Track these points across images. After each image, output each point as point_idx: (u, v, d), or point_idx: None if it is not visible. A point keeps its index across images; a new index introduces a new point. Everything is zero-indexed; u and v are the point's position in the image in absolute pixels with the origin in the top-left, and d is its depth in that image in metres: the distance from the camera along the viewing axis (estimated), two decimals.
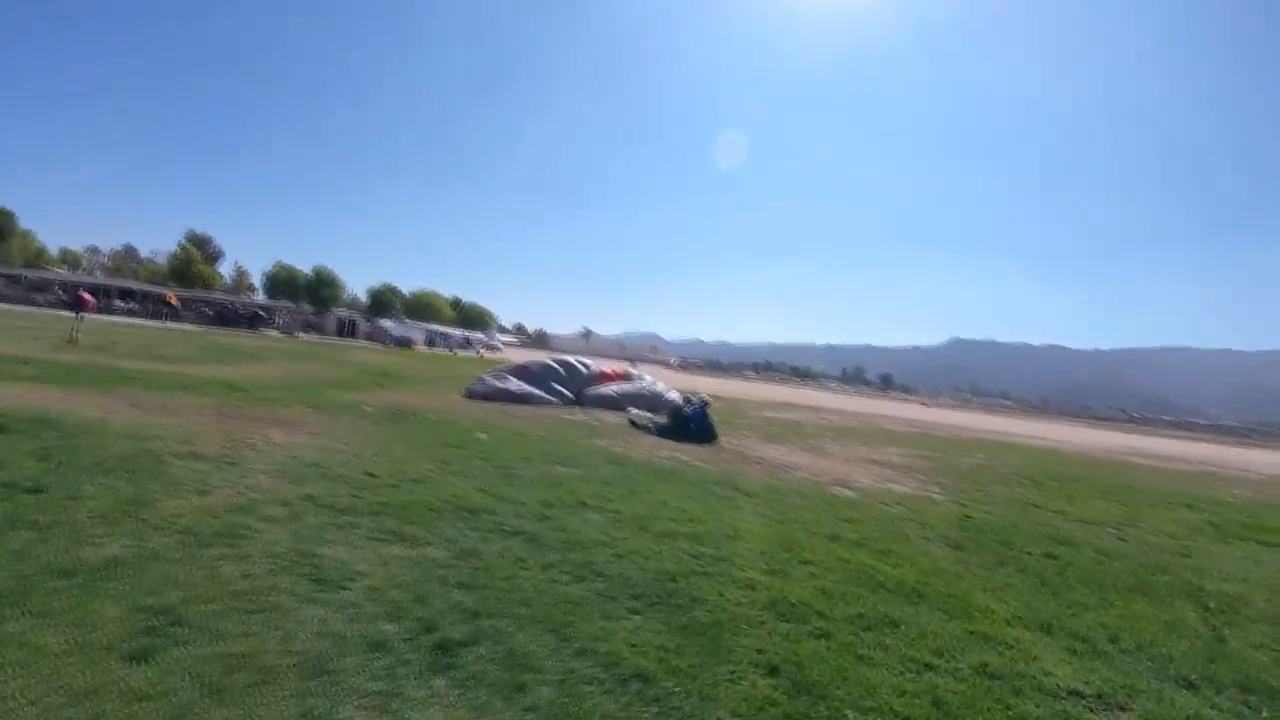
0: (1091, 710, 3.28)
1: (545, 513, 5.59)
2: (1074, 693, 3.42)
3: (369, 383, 16.21)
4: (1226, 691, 3.68)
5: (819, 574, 4.82)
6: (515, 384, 15.73)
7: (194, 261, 71.66)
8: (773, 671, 3.26)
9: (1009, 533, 6.93)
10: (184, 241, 75.39)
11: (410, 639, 3.13)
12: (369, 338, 58.42)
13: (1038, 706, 3.24)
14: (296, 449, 7.00)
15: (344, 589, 3.60)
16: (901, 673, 3.42)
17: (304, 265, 76.75)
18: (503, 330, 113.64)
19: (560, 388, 16.11)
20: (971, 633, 4.05)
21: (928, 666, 3.52)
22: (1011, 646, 3.91)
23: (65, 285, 54.08)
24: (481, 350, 63.18)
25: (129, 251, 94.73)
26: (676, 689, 2.98)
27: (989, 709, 3.15)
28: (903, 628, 3.99)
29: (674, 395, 16.11)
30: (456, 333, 72.55)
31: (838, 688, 3.15)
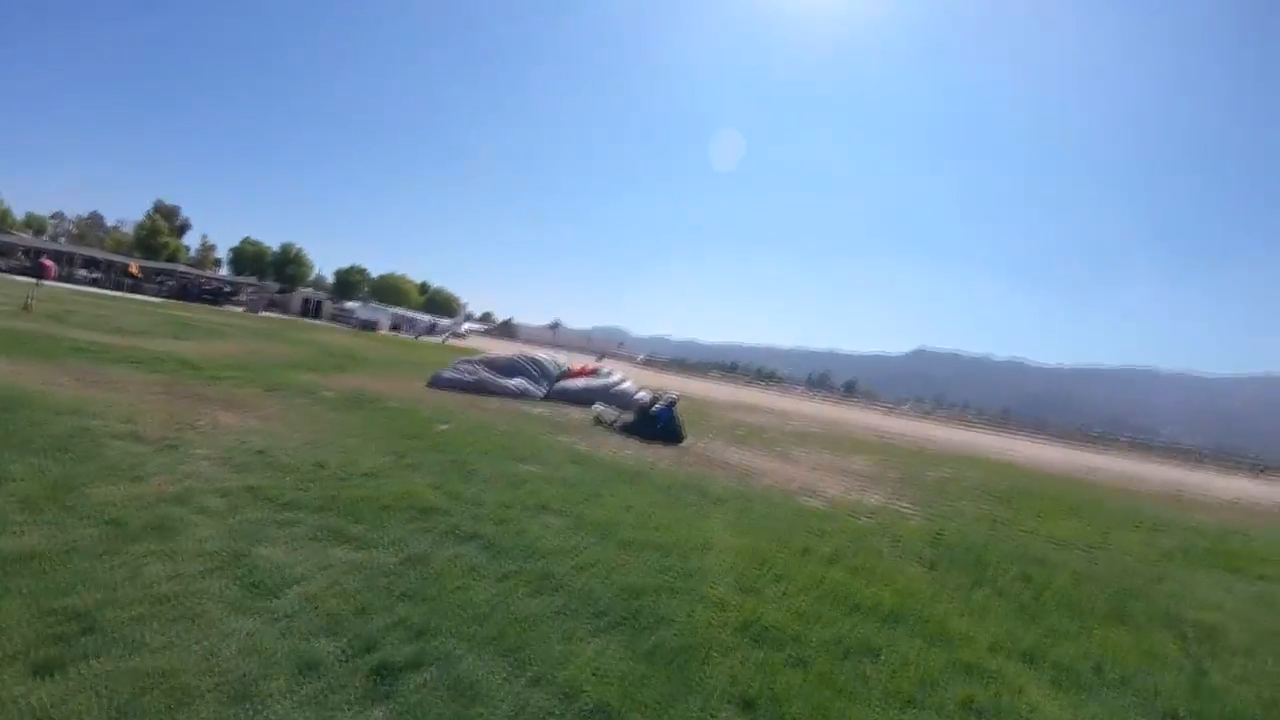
0: None
1: (503, 515, 5.21)
2: None
3: (330, 365, 15.55)
4: None
5: (792, 593, 4.54)
6: (481, 374, 15.24)
7: (160, 233, 69.20)
8: (748, 706, 2.97)
9: (981, 551, 6.76)
10: (151, 212, 72.73)
11: (346, 660, 2.80)
12: (333, 319, 56.83)
13: None
14: (245, 433, 6.53)
15: (278, 596, 3.26)
16: (885, 708, 3.16)
17: (272, 242, 74.62)
18: (470, 318, 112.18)
19: (526, 383, 15.65)
20: (953, 662, 3.82)
21: (911, 702, 3.27)
22: (995, 678, 3.70)
23: (28, 250, 51.32)
24: (447, 338, 61.96)
25: (95, 219, 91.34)
26: None
27: None
28: (883, 656, 3.74)
29: (643, 394, 15.78)
30: (423, 318, 71.03)
31: None
